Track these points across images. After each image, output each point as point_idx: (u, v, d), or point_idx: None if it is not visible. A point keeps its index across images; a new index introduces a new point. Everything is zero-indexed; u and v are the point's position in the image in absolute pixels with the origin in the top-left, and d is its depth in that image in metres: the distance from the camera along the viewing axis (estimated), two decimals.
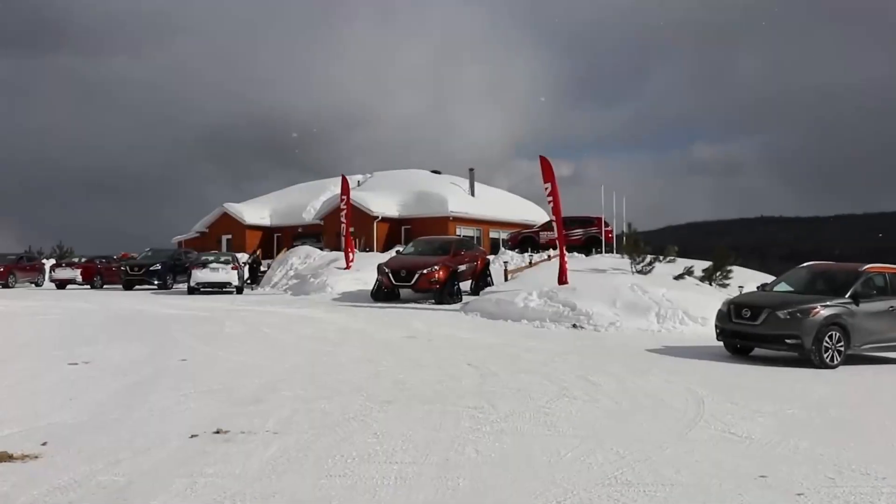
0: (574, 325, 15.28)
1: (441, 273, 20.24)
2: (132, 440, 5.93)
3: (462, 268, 21.47)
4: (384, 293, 21.12)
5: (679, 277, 18.65)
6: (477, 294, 20.73)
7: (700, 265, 20.96)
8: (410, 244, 24.91)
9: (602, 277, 18.56)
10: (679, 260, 21.38)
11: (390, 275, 20.64)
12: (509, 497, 4.71)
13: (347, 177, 31.92)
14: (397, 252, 24.96)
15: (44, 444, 5.76)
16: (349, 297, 22.20)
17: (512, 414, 7.12)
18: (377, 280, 21.54)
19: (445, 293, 20.18)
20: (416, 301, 20.81)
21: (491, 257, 26.55)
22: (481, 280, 22.64)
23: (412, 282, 20.24)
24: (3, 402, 7.37)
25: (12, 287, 31.23)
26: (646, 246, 20.19)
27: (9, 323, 14.77)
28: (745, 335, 11.65)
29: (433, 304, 20.07)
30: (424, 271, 20.16)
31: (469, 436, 6.24)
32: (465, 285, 22.27)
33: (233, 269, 26.43)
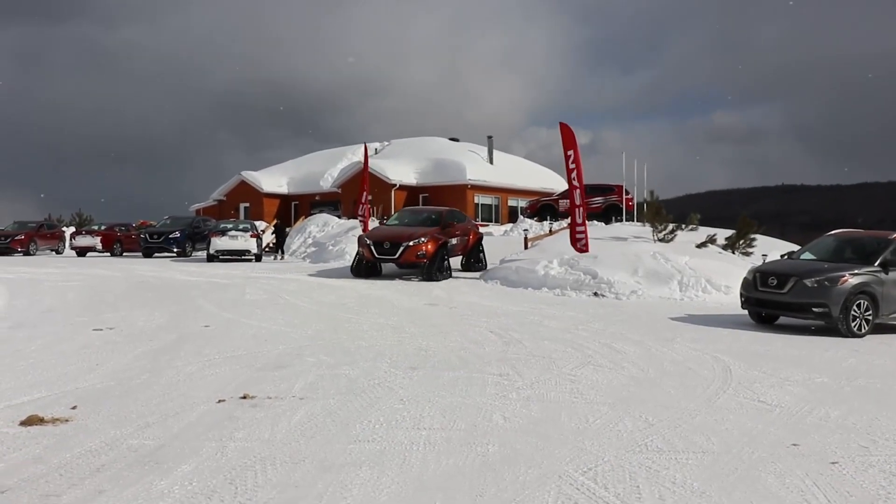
0: (595, 294, 15.19)
1: (429, 246, 18.04)
2: (160, 405, 5.94)
3: (453, 241, 19.24)
4: (365, 267, 18.89)
5: (702, 245, 18.47)
6: (469, 271, 19.96)
7: (723, 234, 20.74)
8: (395, 214, 22.24)
9: (623, 245, 18.41)
10: (701, 228, 21.17)
11: (372, 247, 18.39)
12: (540, 463, 4.67)
13: (365, 145, 31.79)
14: (381, 223, 22.30)
15: (73, 407, 5.79)
16: None
17: (537, 381, 7.08)
18: (357, 253, 19.39)
19: (434, 268, 18.01)
20: (400, 277, 18.72)
21: (492, 229, 26.12)
22: (473, 256, 20.81)
23: (396, 255, 18.03)
24: (31, 366, 7.42)
25: (33, 255, 31.48)
26: (667, 214, 19.97)
27: (32, 290, 14.88)
28: (772, 303, 11.52)
29: (420, 280, 18.10)
30: (411, 244, 17.94)
31: (496, 402, 6.21)
32: (455, 262, 20.21)
33: (252, 236, 26.48)
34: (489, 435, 5.26)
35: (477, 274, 19.12)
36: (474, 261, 20.67)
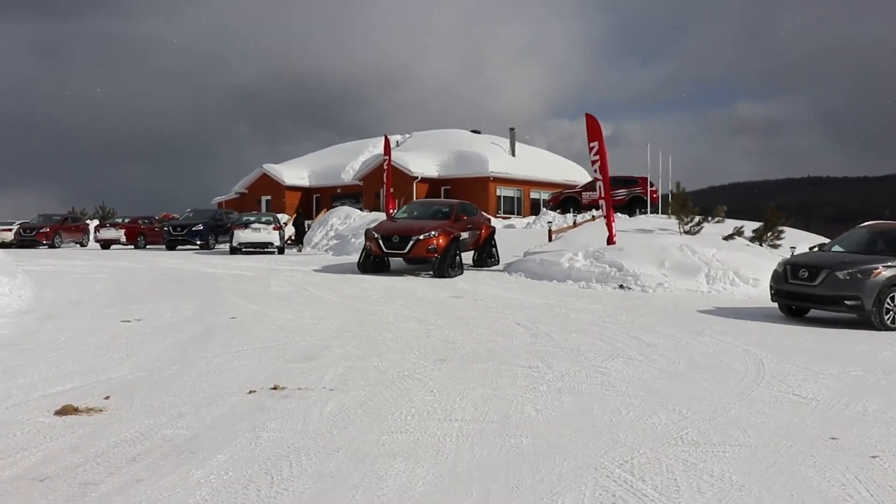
0: (621, 286, 15.08)
1: (441, 240, 17.03)
2: (192, 395, 5.96)
3: (465, 236, 18.25)
4: (373, 262, 17.96)
5: (729, 238, 18.28)
6: (481, 266, 19.08)
7: (750, 226, 20.51)
8: (404, 207, 20.99)
9: (649, 238, 18.27)
10: (727, 220, 20.95)
11: (380, 241, 17.37)
12: (575, 455, 4.62)
13: (386, 137, 31.78)
14: (388, 217, 21.11)
15: (106, 397, 5.82)
16: None
17: (568, 373, 7.02)
18: (364, 247, 18.38)
19: (445, 264, 17.00)
20: (410, 273, 17.94)
21: (514, 221, 25.85)
22: (485, 251, 19.82)
23: (406, 250, 17.12)
24: (62, 357, 7.48)
25: (58, 247, 31.85)
26: (693, 206, 19.78)
27: (59, 282, 15.02)
28: (802, 296, 11.36)
29: (430, 276, 17.24)
30: (421, 237, 16.95)
31: (527, 394, 6.16)
32: (467, 257, 19.29)
33: (274, 229, 26.60)
34: (522, 427, 5.22)
35: (500, 267, 19.03)
36: (486, 256, 19.80)
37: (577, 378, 6.83)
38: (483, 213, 22.29)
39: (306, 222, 31.26)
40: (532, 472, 4.30)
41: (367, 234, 18.18)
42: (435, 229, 17.21)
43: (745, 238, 19.22)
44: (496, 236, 20.73)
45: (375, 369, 7.05)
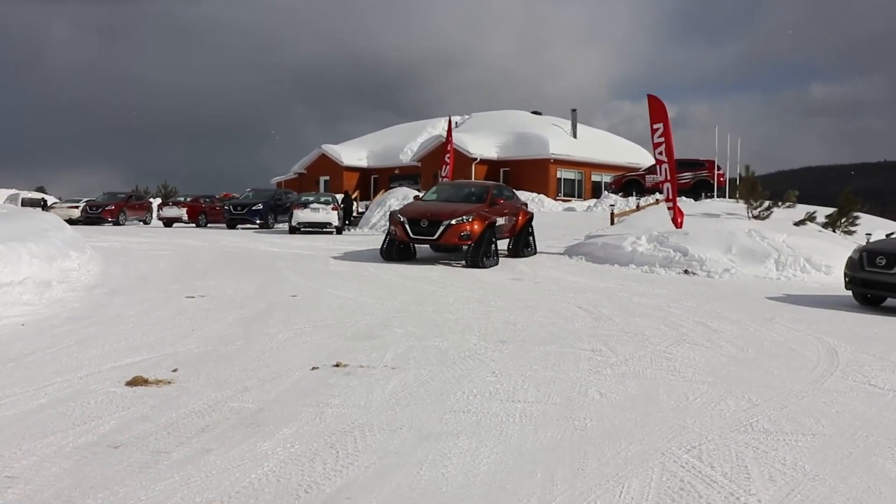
0: (685, 271, 14.76)
1: (475, 226, 15.13)
2: (256, 370, 6.05)
3: (501, 221, 16.27)
4: (398, 249, 16.05)
5: (800, 223, 17.70)
6: (516, 257, 17.25)
7: (822, 212, 19.82)
8: (433, 189, 18.99)
9: (716, 222, 17.82)
10: (798, 205, 20.29)
11: (407, 225, 15.44)
12: (641, 439, 4.52)
13: (445, 118, 31.72)
14: (415, 198, 19.23)
15: (174, 370, 5.95)
16: None
17: (632, 357, 6.89)
18: (388, 232, 16.48)
19: (480, 253, 15.04)
20: (439, 261, 16.00)
21: (575, 204, 25.42)
22: (521, 239, 17.72)
23: (436, 236, 15.22)
24: (131, 330, 7.69)
25: (122, 224, 32.81)
26: (763, 190, 19.19)
27: (125, 258, 15.44)
28: (879, 284, 10.91)
29: (463, 266, 15.17)
30: (453, 222, 15.07)
31: (590, 378, 6.07)
32: (501, 246, 17.06)
33: (333, 209, 26.88)
34: (586, 410, 5.14)
35: (559, 250, 18.78)
36: (523, 245, 17.73)
37: (642, 363, 6.69)
38: (519, 197, 20.36)
39: (353, 199, 31.37)
40: (597, 455, 4.23)
41: (392, 217, 16.40)
42: (468, 213, 15.33)
43: (818, 224, 18.59)
44: (534, 223, 18.65)
45: (436, 349, 7.04)
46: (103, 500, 3.49)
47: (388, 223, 17.08)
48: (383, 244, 16.48)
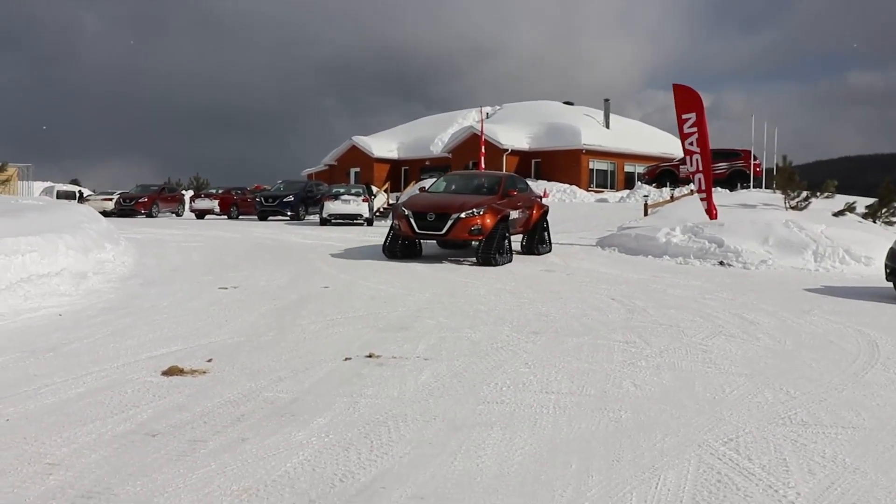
0: (721, 263, 14.55)
1: (487, 219, 13.84)
2: (289, 360, 6.09)
3: (515, 215, 14.95)
4: (401, 246, 14.54)
5: (839, 214, 17.36)
6: (531, 253, 15.91)
7: (862, 202, 19.41)
8: (441, 179, 17.47)
9: (752, 213, 17.56)
10: (837, 196, 19.90)
11: (412, 219, 14.10)
12: (677, 431, 4.47)
13: (476, 109, 31.62)
14: (421, 190, 17.50)
15: (209, 360, 6.01)
16: None
17: (667, 349, 6.81)
18: (392, 226, 15.02)
19: (493, 249, 13.69)
20: (447, 259, 14.56)
21: (607, 195, 25.24)
22: (536, 235, 16.23)
23: (444, 230, 13.88)
24: (165, 321, 7.78)
25: (155, 216, 33.25)
26: (800, 180, 18.85)
27: (158, 249, 15.64)
28: None
29: (473, 264, 13.81)
30: (462, 215, 13.77)
31: (624, 370, 6.01)
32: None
33: (363, 201, 26.98)
34: (621, 401, 5.09)
35: (591, 241, 18.60)
36: (538, 241, 16.27)
37: (677, 354, 6.61)
38: (533, 189, 18.69)
39: (374, 192, 31.38)
40: (632, 447, 4.19)
41: (396, 210, 15.06)
42: (479, 206, 14.01)
43: (857, 214, 18.21)
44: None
45: (469, 340, 7.03)
46: (142, 487, 3.53)
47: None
48: (386, 240, 14.94)
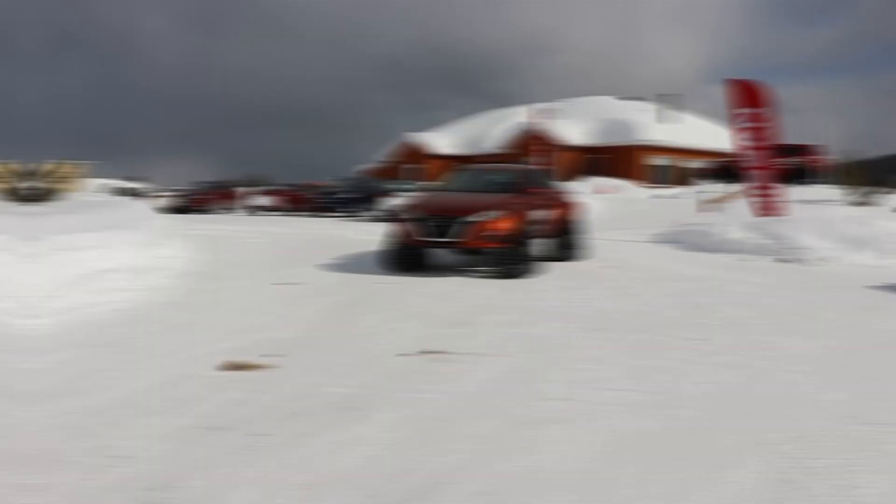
0: (780, 259, 14.21)
1: (507, 223, 11.33)
2: (347, 356, 6.16)
3: (538, 216, 12.38)
4: (407, 255, 11.83)
5: None
6: (558, 259, 13.14)
7: None
8: (449, 176, 14.94)
9: (812, 209, 17.11)
10: None
11: (415, 225, 11.57)
12: (738, 430, 4.39)
13: (532, 105, 31.50)
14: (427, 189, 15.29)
15: (267, 355, 6.10)
16: None
17: (727, 347, 6.68)
18: (391, 234, 12.03)
19: (513, 258, 11.30)
20: (457, 272, 11.57)
21: (663, 191, 24.64)
22: (564, 238, 13.53)
23: (452, 237, 11.30)
24: (224, 316, 7.94)
25: (212, 213, 33.82)
26: (864, 176, 18.29)
27: (214, 245, 15.87)
28: None
29: (492, 277, 11.15)
30: (475, 219, 11.23)
31: (684, 367, 5.92)
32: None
33: None
34: (680, 399, 5.02)
35: (645, 238, 18.25)
36: (567, 245, 13.58)
37: (738, 352, 6.49)
38: (558, 184, 15.62)
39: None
40: (693, 445, 4.13)
41: (397, 214, 12.55)
42: (496, 207, 11.49)
43: None
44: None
45: (525, 336, 7.01)
46: (203, 480, 3.62)
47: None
48: (386, 250, 12.12)
